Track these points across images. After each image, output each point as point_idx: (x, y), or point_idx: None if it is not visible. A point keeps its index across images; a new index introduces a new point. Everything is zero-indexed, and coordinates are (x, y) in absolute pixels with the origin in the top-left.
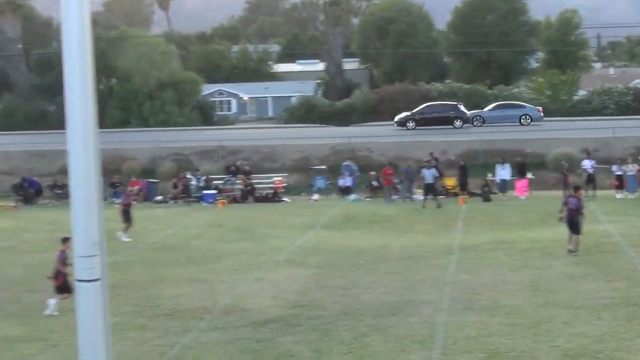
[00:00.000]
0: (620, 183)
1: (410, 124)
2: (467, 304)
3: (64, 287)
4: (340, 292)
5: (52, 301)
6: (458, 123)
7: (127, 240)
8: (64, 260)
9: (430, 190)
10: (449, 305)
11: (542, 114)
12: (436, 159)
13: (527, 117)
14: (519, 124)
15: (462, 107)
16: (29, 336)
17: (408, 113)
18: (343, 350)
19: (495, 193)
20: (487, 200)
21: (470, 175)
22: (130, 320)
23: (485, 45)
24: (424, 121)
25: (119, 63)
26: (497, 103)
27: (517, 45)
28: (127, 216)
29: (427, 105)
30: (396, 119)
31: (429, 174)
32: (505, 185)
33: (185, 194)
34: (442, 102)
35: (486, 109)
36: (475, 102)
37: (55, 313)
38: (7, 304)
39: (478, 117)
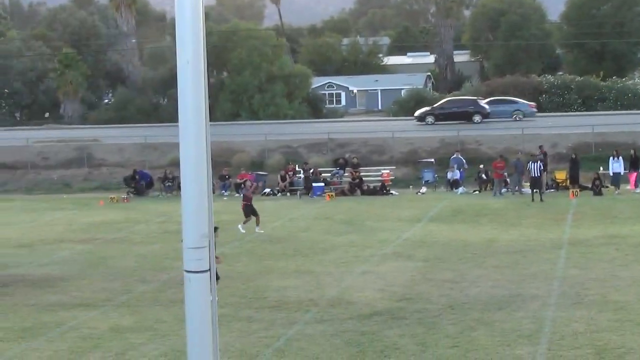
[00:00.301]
0: None
1: (430, 119)
2: (575, 299)
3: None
4: (447, 285)
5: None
6: (477, 118)
7: (243, 231)
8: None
9: (537, 183)
10: (557, 300)
11: (535, 110)
12: (545, 153)
13: (519, 112)
14: (511, 119)
15: (481, 102)
16: (138, 326)
17: (428, 108)
18: (448, 344)
19: (607, 187)
20: (599, 194)
21: (581, 168)
22: (237, 312)
23: (599, 36)
24: (443, 116)
25: (230, 56)
26: (492, 98)
27: (631, 35)
28: (248, 210)
29: (447, 100)
30: (416, 113)
31: (534, 167)
32: (618, 179)
33: (292, 187)
34: (461, 97)
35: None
36: (588, 95)
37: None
38: (117, 295)
39: None
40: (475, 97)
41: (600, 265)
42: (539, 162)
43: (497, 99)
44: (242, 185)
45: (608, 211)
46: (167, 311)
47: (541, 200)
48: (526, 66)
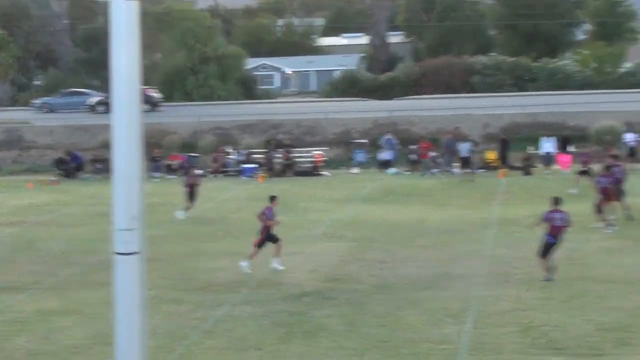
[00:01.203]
0: None
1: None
2: (503, 278)
3: (265, 240)
4: (376, 265)
5: (245, 263)
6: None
7: (182, 218)
8: (272, 217)
9: (467, 163)
10: (485, 280)
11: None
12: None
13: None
14: (89, 111)
15: (150, 92)
16: (65, 309)
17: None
18: (376, 324)
19: (536, 167)
20: (528, 173)
21: (511, 148)
22: (165, 294)
23: (532, 17)
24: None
25: (164, 37)
26: (66, 90)
27: (563, 17)
28: (192, 196)
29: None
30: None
31: (463, 148)
32: (550, 159)
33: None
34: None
35: (54, 96)
36: (520, 75)
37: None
38: (44, 278)
39: (47, 104)
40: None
41: (528, 244)
42: (468, 142)
43: (71, 91)
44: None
45: (537, 191)
46: (94, 294)
47: (471, 181)
48: (459, 47)
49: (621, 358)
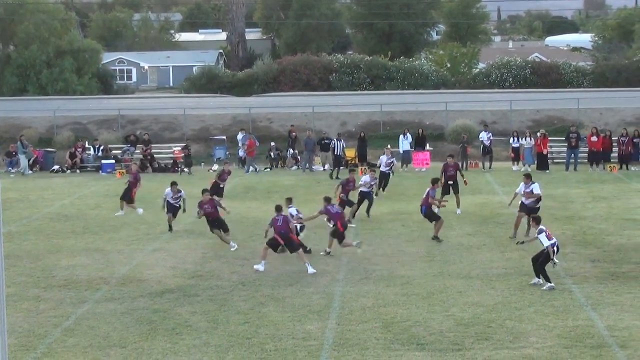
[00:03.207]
0: (517, 155)
1: None
2: (363, 275)
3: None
4: (238, 262)
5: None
6: None
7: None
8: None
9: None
10: (346, 276)
11: None
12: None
13: None
14: None
15: None
16: None
17: None
18: (240, 321)
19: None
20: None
21: (369, 146)
22: (25, 291)
23: (388, 17)
24: None
25: (17, 29)
26: None
27: (418, 17)
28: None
29: None
30: None
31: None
32: (407, 157)
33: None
34: None
35: None
36: (377, 74)
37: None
38: None
39: None
40: None
41: (387, 241)
42: (341, 140)
43: None
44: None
45: (395, 188)
46: None
47: (337, 177)
48: (317, 45)
49: (481, 352)
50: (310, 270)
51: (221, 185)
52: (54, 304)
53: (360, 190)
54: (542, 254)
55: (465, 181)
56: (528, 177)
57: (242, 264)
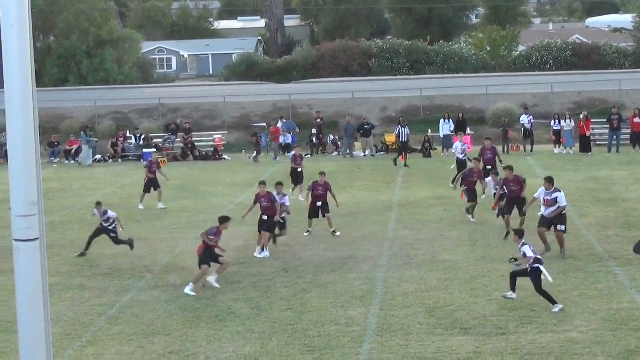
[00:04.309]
0: (558, 138)
1: None
2: (406, 260)
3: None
4: (280, 249)
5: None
6: None
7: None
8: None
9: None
10: (388, 261)
11: None
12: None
13: None
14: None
15: None
16: None
17: None
18: (283, 307)
19: (435, 149)
20: (428, 156)
21: (411, 131)
22: (69, 281)
23: (426, 1)
24: None
25: (57, 20)
26: None
27: (457, 1)
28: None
29: None
30: None
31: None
32: (449, 141)
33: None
34: None
35: None
36: (416, 59)
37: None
38: None
39: None
40: None
41: (429, 226)
42: (407, 127)
43: None
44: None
45: (437, 173)
46: None
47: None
48: (356, 30)
49: (525, 336)
50: (260, 254)
51: (299, 170)
52: (98, 293)
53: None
54: (527, 272)
55: (501, 161)
56: (550, 182)
57: (285, 250)
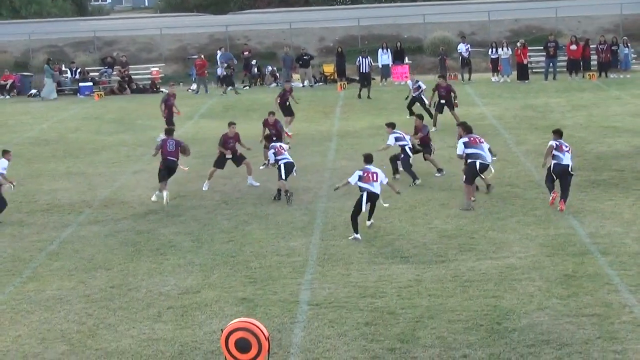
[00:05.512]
0: (495, 66)
1: None
2: (345, 190)
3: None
4: (220, 181)
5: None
6: None
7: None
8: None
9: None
10: (328, 192)
11: None
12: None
13: None
14: None
15: None
16: None
17: None
18: (224, 239)
19: (374, 79)
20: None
21: (348, 61)
22: (7, 217)
23: None
24: None
25: None
26: None
27: None
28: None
29: None
30: None
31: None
32: (387, 71)
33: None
34: None
35: None
36: None
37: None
38: None
39: None
40: None
41: None
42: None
43: None
44: None
45: (375, 103)
46: None
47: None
48: None
49: (465, 263)
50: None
51: (287, 104)
52: (38, 229)
53: None
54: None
55: (456, 103)
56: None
57: (225, 182)
